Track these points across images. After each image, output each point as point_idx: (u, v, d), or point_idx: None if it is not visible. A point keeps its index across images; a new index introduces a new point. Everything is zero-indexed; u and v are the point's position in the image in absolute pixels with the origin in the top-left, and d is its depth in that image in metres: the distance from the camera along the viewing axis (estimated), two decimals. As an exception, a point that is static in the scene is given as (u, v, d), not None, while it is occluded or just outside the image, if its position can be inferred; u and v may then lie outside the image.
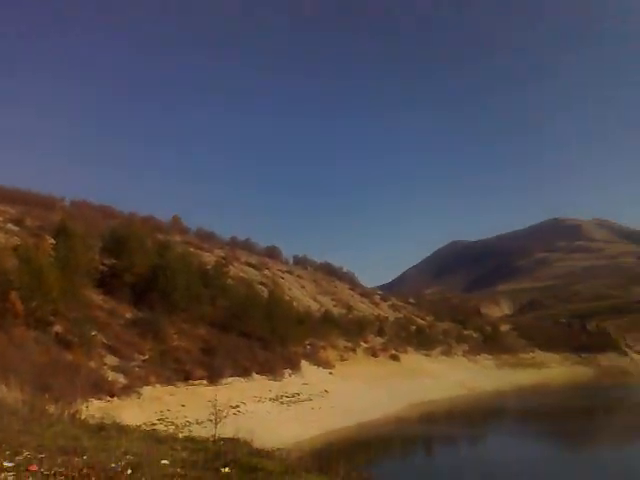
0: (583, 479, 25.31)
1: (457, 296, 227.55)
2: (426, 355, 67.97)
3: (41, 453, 6.44)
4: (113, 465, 6.14)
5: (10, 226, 41.20)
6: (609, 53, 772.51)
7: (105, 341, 30.68)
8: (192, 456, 7.18)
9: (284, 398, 36.06)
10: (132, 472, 5.96)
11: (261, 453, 8.08)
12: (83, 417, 10.84)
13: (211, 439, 8.93)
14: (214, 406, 10.40)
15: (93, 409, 16.79)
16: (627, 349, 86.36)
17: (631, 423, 45.18)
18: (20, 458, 6.23)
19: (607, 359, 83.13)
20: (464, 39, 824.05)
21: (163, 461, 6.67)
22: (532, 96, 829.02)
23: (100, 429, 9.12)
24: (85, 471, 5.89)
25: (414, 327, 77.28)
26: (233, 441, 8.81)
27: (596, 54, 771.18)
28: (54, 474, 5.79)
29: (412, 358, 64.06)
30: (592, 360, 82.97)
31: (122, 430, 9.39)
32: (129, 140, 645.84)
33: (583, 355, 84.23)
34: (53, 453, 6.49)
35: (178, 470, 6.35)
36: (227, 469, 6.66)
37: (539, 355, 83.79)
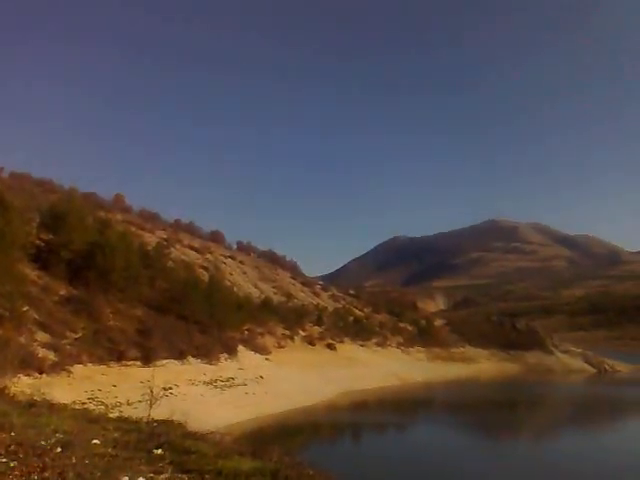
0: (496, 466, 26.67)
1: (395, 290, 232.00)
2: (362, 345, 69.01)
3: (-34, 429, 6.31)
4: (42, 443, 6.09)
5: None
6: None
7: (37, 317, 29.80)
8: (124, 437, 7.17)
9: (218, 382, 36.00)
10: (61, 450, 5.93)
11: (195, 436, 8.13)
12: (12, 393, 10.61)
13: (144, 420, 8.91)
14: (149, 387, 10.34)
15: (22, 385, 16.43)
16: (553, 348, 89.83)
17: (550, 418, 47.50)
18: (-55, 433, 6.10)
19: (534, 357, 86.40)
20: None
21: (94, 441, 6.64)
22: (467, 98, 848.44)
23: (30, 406, 8.95)
24: (13, 448, 5.81)
25: (352, 318, 78.25)
26: (167, 423, 8.83)
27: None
28: (-21, 450, 5.69)
29: (348, 348, 64.94)
30: (520, 357, 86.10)
31: (53, 408, 9.24)
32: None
33: (511, 352, 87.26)
34: (-20, 429, 6.37)
35: (109, 450, 6.35)
36: (160, 451, 6.69)
37: (469, 350, 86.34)
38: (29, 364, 24.46)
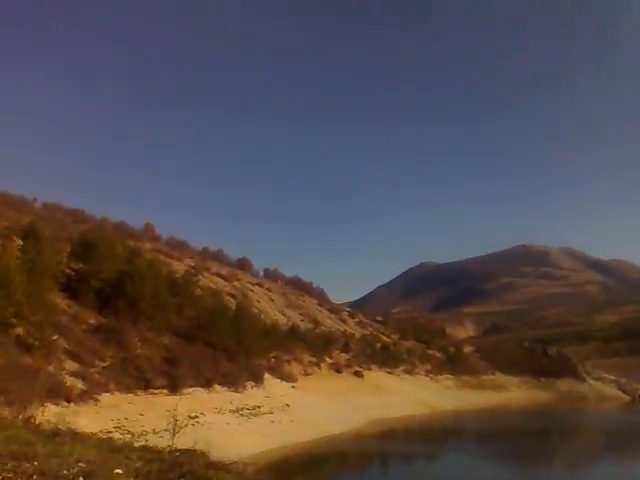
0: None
1: (423, 316, 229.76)
2: (389, 373, 68.23)
3: (-9, 458, 6.38)
4: (65, 472, 6.13)
5: (-24, 225, 40.42)
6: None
7: (66, 346, 30.19)
8: (146, 466, 7.17)
9: (245, 410, 35.88)
10: (84, 480, 5.96)
11: (218, 465, 8.09)
12: (38, 422, 10.71)
13: (167, 449, 8.91)
14: (173, 416, 10.36)
15: (49, 414, 16.54)
16: (586, 375, 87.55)
17: (583, 447, 46.10)
18: (-33, 462, 6.17)
19: (566, 384, 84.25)
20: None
21: (116, 470, 6.66)
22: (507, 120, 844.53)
23: (54, 435, 9.03)
24: (35, 477, 5.86)
25: (379, 345, 77.55)
26: (190, 452, 8.80)
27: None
28: (2, 479, 5.75)
29: (375, 375, 64.25)
30: (551, 385, 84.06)
31: (77, 437, 9.31)
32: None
33: (543, 380, 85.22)
34: (3, 458, 6.43)
35: (131, 480, 6.36)
36: (182, 480, 6.68)
37: (500, 378, 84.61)
38: (57, 393, 24.70)
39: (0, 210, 47.00)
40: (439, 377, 75.63)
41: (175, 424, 10.15)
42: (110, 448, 8.62)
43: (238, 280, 74.74)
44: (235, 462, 8.72)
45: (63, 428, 10.04)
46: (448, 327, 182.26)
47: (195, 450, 9.07)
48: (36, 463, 6.34)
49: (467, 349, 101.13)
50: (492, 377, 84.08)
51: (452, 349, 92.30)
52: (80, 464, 6.57)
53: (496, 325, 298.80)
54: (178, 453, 8.50)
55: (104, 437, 12.08)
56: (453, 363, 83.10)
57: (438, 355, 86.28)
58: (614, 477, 31.87)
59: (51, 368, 26.83)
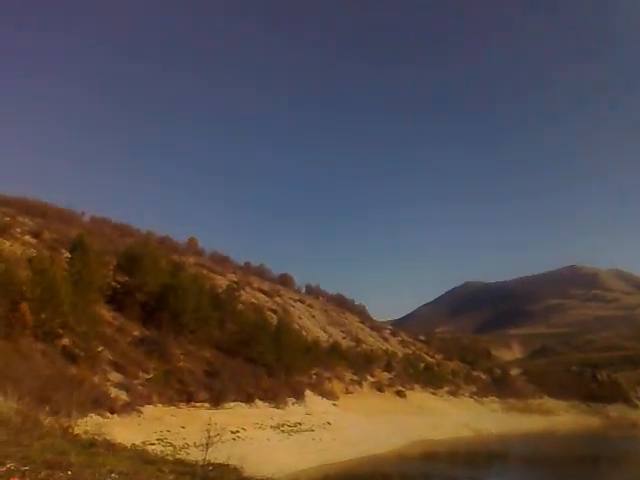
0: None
1: (468, 336, 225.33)
2: (433, 393, 67.08)
3: (25, 465, 6.40)
4: (96, 482, 6.09)
5: (28, 238, 41.67)
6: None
7: (111, 357, 30.70)
8: (178, 479, 7.10)
9: (285, 427, 35.66)
10: (115, 491, 5.91)
11: (250, 481, 7.97)
12: (76, 432, 10.79)
13: (200, 463, 8.82)
14: (207, 430, 10.30)
15: (92, 425, 16.74)
16: (637, 401, 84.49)
17: (633, 475, 44.03)
18: (2, 469, 6.20)
19: (616, 410, 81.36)
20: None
21: (147, 482, 6.60)
22: (549, 136, 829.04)
23: (90, 445, 9.06)
24: (67, 487, 5.84)
25: (422, 364, 76.48)
26: (222, 467, 8.70)
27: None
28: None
29: (418, 395, 63.25)
30: (601, 410, 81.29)
31: (112, 448, 9.32)
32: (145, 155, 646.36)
33: (592, 405, 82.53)
34: (38, 466, 6.45)
35: (162, 492, 6.28)
36: (212, 495, 6.56)
37: (547, 401, 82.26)
38: (101, 404, 25.03)
39: (49, 223, 48.34)
40: (484, 399, 73.99)
41: (209, 438, 10.05)
42: (144, 460, 8.59)
43: (280, 296, 74.95)
44: (268, 478, 8.56)
45: (99, 439, 10.08)
46: (493, 348, 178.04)
47: (228, 465, 8.97)
48: (70, 472, 6.33)
49: (513, 371, 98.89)
50: (539, 401, 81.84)
51: (498, 371, 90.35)
52: (113, 475, 6.54)
53: (544, 348, 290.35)
54: (211, 467, 8.41)
55: (139, 449, 12.10)
56: (499, 385, 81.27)
57: (483, 377, 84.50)
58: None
59: (96, 379, 27.28)
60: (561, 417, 76.93)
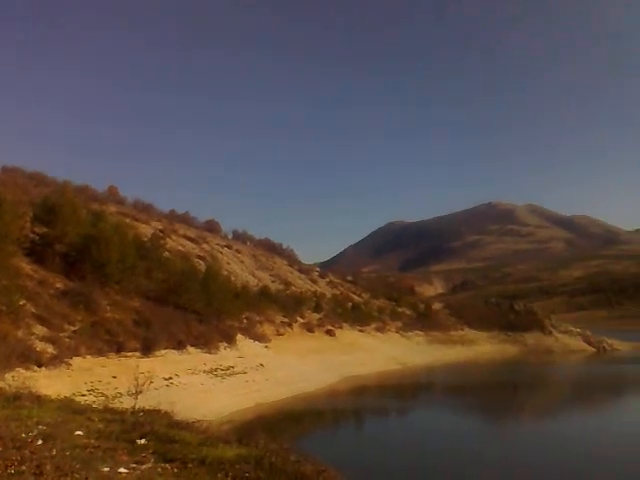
0: (497, 448, 26.76)
1: (393, 275, 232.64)
2: (361, 331, 69.12)
3: (-53, 423, 6.23)
4: (23, 435, 6.01)
5: None
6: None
7: (34, 311, 29.71)
8: (108, 427, 7.10)
9: (218, 371, 36.05)
10: (43, 442, 5.86)
11: (180, 425, 8.07)
12: (0, 386, 10.53)
13: (130, 410, 8.84)
14: (136, 378, 10.27)
15: (20, 379, 16.35)
16: (552, 329, 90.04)
17: (550, 398, 47.67)
18: None
19: (533, 338, 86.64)
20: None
21: (77, 432, 6.58)
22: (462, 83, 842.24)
23: (15, 399, 8.88)
24: (-8, 441, 5.73)
25: (350, 304, 78.36)
26: (153, 413, 8.76)
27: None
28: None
29: (347, 334, 65.05)
30: (519, 338, 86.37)
31: (38, 400, 9.17)
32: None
33: (510, 334, 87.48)
34: (-40, 423, 6.30)
35: (92, 441, 6.28)
36: (143, 441, 6.62)
37: (469, 333, 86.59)
38: (28, 358, 24.38)
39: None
40: (410, 334, 76.99)
41: (138, 386, 10.05)
42: (72, 410, 8.52)
43: (207, 242, 74.24)
44: (198, 421, 8.71)
45: (25, 392, 9.88)
46: (417, 285, 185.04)
47: (159, 410, 9.05)
48: (-6, 426, 6.21)
49: (436, 306, 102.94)
50: (461, 332, 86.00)
51: (422, 306, 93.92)
52: (40, 427, 6.47)
53: (464, 282, 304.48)
54: (141, 414, 8.45)
55: (67, 400, 11.97)
56: (423, 320, 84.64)
57: (408, 313, 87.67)
58: (578, 426, 33.10)
59: (19, 333, 26.42)
60: (482, 347, 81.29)
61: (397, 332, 76.00)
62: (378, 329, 73.02)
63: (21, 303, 28.39)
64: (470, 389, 49.01)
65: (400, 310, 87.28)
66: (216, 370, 36.02)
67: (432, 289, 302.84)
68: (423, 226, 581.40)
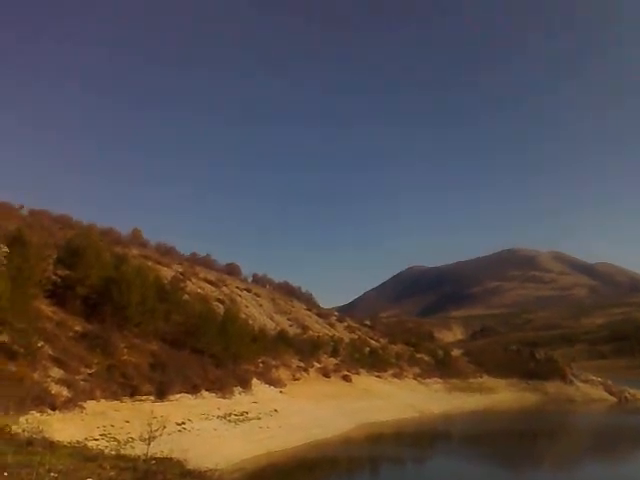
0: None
1: (412, 320, 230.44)
2: (378, 377, 68.29)
3: (-40, 469, 6.34)
4: (35, 482, 6.10)
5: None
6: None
7: (52, 353, 29.95)
8: (120, 475, 7.16)
9: (232, 416, 35.74)
10: (54, 490, 5.94)
11: (193, 474, 8.09)
12: (14, 431, 10.64)
13: (142, 458, 8.88)
14: (149, 424, 10.30)
15: (34, 422, 16.47)
16: (573, 377, 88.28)
17: (569, 448, 46.40)
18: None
19: (553, 386, 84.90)
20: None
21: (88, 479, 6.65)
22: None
23: (28, 444, 8.98)
24: (4, 489, 5.83)
25: (368, 349, 77.65)
26: (165, 461, 8.79)
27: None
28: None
29: (364, 379, 64.29)
30: (539, 387, 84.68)
31: (51, 446, 9.26)
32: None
33: (530, 382, 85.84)
34: (-28, 468, 6.41)
35: (103, 489, 6.34)
36: (154, 489, 6.66)
37: (488, 380, 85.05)
38: (43, 400, 24.49)
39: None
40: (428, 381, 75.83)
41: (151, 432, 10.09)
42: (84, 457, 8.59)
43: (226, 285, 74.51)
44: (211, 470, 8.72)
45: (38, 437, 9.97)
46: (436, 331, 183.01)
47: (171, 458, 9.07)
48: (6, 474, 6.31)
49: (455, 352, 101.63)
50: (480, 380, 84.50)
51: (440, 352, 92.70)
52: (51, 474, 6.55)
53: (484, 328, 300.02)
54: (153, 461, 8.48)
55: (80, 446, 12.01)
56: (441, 367, 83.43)
57: (426, 359, 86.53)
58: (597, 477, 32.16)
59: (36, 375, 26.61)
60: (501, 395, 79.71)
61: (415, 378, 74.92)
62: (395, 375, 72.09)
63: (39, 345, 28.69)
64: (489, 438, 47.93)
65: (418, 356, 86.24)
66: (230, 415, 35.72)
67: (451, 335, 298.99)
68: (443, 271, 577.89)
